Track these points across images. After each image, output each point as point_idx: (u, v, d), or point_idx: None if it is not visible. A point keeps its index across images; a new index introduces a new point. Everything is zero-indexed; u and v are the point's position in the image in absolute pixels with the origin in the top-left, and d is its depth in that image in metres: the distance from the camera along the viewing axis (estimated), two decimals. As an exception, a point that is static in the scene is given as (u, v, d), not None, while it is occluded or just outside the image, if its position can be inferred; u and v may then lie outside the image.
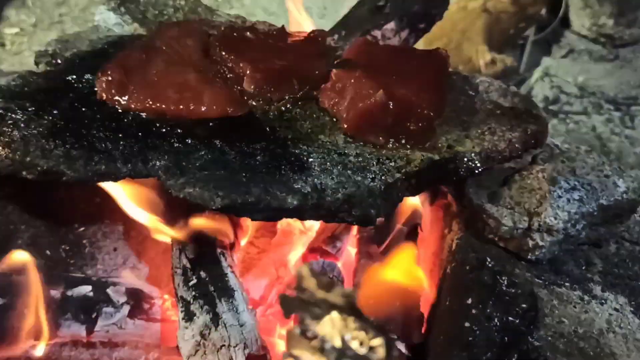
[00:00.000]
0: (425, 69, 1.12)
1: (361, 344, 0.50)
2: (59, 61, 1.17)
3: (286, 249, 1.30)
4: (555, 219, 0.96)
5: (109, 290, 1.08)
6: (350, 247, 1.25)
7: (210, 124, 1.03)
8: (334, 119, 1.07)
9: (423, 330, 1.03)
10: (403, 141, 1.02)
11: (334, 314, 0.51)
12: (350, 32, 1.59)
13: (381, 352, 0.50)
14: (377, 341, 0.50)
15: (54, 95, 1.07)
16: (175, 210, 1.10)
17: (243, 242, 1.25)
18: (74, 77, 1.12)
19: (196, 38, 1.18)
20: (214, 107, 1.03)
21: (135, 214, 1.12)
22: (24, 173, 0.95)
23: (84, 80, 1.11)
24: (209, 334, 0.97)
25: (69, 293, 1.05)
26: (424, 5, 1.67)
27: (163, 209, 1.10)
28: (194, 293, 1.02)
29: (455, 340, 0.88)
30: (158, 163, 0.95)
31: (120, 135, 0.99)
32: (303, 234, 1.30)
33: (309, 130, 1.05)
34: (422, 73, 1.11)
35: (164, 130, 1.01)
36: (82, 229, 1.24)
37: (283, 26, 1.29)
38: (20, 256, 1.06)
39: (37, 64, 1.19)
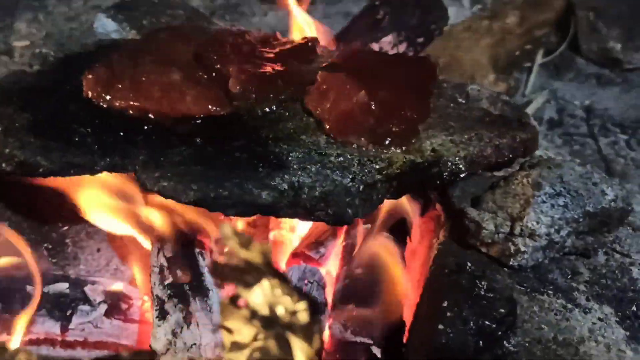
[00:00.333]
0: (412, 73, 1.12)
1: (286, 310, 0.48)
2: (51, 61, 1.19)
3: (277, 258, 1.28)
4: (538, 223, 0.94)
5: (86, 289, 1.07)
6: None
7: (193, 122, 1.03)
8: (318, 120, 1.06)
9: (405, 337, 1.00)
10: (386, 142, 1.01)
11: (264, 282, 0.49)
12: (348, 45, 1.59)
13: (304, 316, 0.48)
14: (301, 305, 0.48)
15: (42, 93, 1.08)
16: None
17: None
18: (63, 76, 1.13)
19: (187, 42, 1.19)
20: (196, 105, 1.03)
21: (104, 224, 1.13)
22: (4, 165, 0.95)
23: (72, 79, 1.12)
24: (181, 332, 0.95)
25: (45, 290, 1.04)
26: (423, 20, 1.68)
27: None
28: (169, 292, 1.01)
29: (429, 342, 0.85)
30: (136, 158, 0.95)
31: (101, 130, 0.99)
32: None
33: (292, 130, 1.04)
34: (408, 77, 1.10)
35: (145, 127, 1.01)
36: (65, 228, 1.24)
37: (276, 33, 1.29)
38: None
39: (30, 64, 1.21)
